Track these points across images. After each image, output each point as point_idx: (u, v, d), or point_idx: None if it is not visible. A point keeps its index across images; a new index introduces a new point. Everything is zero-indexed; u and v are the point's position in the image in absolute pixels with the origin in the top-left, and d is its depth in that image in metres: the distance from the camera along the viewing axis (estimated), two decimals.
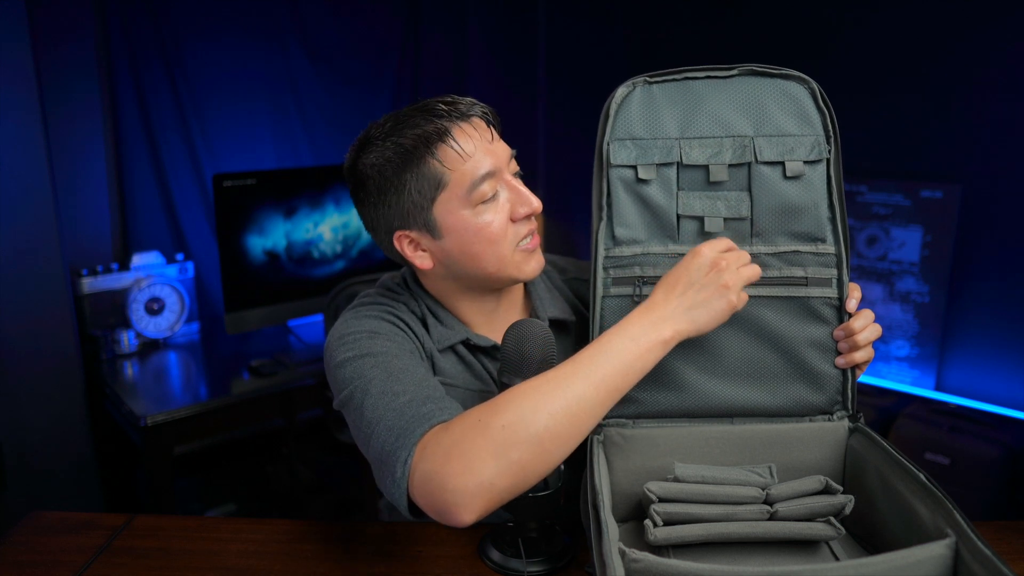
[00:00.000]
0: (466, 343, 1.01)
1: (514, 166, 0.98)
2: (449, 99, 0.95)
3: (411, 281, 1.05)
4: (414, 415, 0.80)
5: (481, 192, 0.92)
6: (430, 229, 0.95)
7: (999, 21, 2.09)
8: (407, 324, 0.98)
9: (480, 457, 0.74)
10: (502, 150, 0.96)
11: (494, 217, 0.94)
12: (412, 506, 0.79)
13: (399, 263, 1.02)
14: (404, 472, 0.77)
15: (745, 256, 0.85)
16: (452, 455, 0.74)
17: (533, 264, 0.98)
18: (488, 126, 0.96)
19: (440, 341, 0.99)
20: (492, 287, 1.00)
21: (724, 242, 0.86)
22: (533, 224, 0.98)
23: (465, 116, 0.94)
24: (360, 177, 0.96)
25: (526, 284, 1.09)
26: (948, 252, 2.24)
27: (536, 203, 0.96)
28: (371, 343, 0.91)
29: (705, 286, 0.82)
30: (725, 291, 0.82)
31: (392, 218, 0.96)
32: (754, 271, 0.85)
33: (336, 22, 2.66)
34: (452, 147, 0.91)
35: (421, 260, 0.98)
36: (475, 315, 1.03)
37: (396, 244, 0.98)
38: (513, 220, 0.95)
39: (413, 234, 0.96)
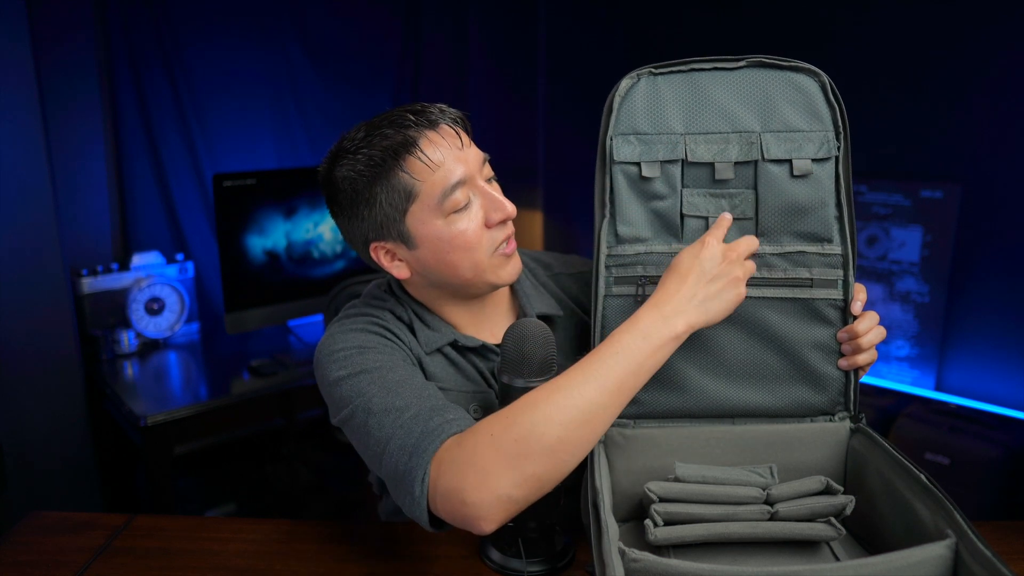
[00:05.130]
0: (454, 344, 1.00)
1: (487, 171, 0.97)
2: (418, 107, 0.94)
3: (396, 287, 1.05)
4: (423, 431, 0.80)
5: (453, 201, 0.91)
6: (404, 240, 0.94)
7: (999, 22, 2.09)
8: (394, 333, 0.97)
9: (495, 472, 0.74)
10: (473, 156, 0.94)
11: (468, 225, 0.92)
12: (432, 518, 0.79)
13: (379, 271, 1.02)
14: (423, 490, 0.77)
15: (749, 247, 0.86)
16: (468, 470, 0.74)
17: (510, 269, 0.97)
18: (458, 132, 0.94)
19: (427, 344, 0.98)
20: (472, 293, 0.99)
21: (725, 223, 0.87)
22: (510, 229, 0.97)
23: (433, 124, 0.92)
24: (333, 189, 0.96)
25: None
26: (948, 252, 2.24)
27: (510, 207, 0.94)
28: (363, 358, 0.90)
29: (718, 277, 0.82)
30: (737, 283, 0.83)
31: (367, 230, 0.95)
32: (753, 265, 0.87)
33: (336, 22, 2.66)
34: (420, 158, 0.90)
35: (398, 270, 0.97)
36: (462, 317, 1.02)
37: (372, 255, 0.97)
38: (488, 226, 0.94)
39: (388, 245, 0.96)
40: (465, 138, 0.95)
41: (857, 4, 2.33)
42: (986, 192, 2.17)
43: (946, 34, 2.18)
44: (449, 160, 0.91)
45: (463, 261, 0.93)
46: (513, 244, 0.98)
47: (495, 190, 0.96)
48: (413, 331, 1.00)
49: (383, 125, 0.92)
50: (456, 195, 0.91)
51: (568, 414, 0.75)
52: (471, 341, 1.00)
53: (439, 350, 0.99)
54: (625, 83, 0.90)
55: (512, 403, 0.78)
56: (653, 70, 0.90)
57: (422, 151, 0.90)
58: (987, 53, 2.12)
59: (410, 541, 0.95)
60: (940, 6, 2.17)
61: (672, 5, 2.76)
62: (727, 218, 0.88)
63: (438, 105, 0.95)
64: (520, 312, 1.06)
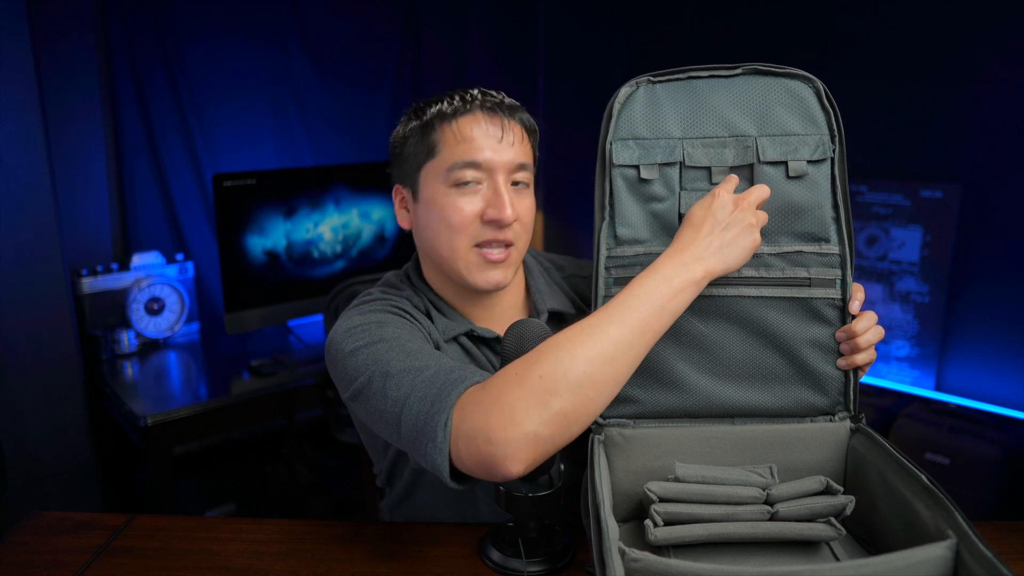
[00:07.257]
0: (469, 334, 1.02)
1: (518, 177, 0.98)
2: (489, 92, 0.99)
3: (414, 276, 1.07)
4: (445, 381, 0.80)
5: (459, 175, 0.94)
6: (414, 191, 1.01)
7: (999, 21, 2.09)
8: (412, 316, 0.98)
9: (521, 408, 0.73)
10: (509, 154, 0.96)
11: (464, 205, 0.95)
12: (454, 473, 0.78)
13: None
14: (445, 435, 0.76)
15: (760, 195, 0.86)
16: (493, 409, 0.74)
17: (486, 275, 0.97)
18: (510, 130, 0.97)
19: (445, 332, 1.00)
20: (455, 280, 1.00)
21: (733, 181, 0.88)
22: (505, 235, 0.96)
23: (488, 109, 0.97)
24: (394, 136, 1.04)
25: (527, 279, 1.10)
26: (948, 252, 2.24)
27: (507, 213, 0.94)
28: (381, 331, 0.91)
29: (731, 225, 0.83)
30: (751, 229, 0.84)
31: (396, 171, 1.04)
32: (765, 215, 0.87)
33: (336, 22, 2.66)
34: (455, 125, 0.95)
35: (402, 219, 1.05)
36: (475, 309, 1.04)
37: (394, 195, 1.06)
38: (483, 220, 0.95)
39: (404, 192, 1.04)
40: (511, 137, 0.97)
41: (857, 4, 2.33)
42: (986, 192, 2.17)
43: (946, 34, 2.18)
44: (480, 140, 0.95)
45: (443, 236, 0.97)
46: (505, 255, 0.97)
47: (511, 194, 0.96)
48: (431, 318, 1.02)
49: (453, 93, 0.99)
50: (465, 172, 0.95)
51: (593, 350, 0.76)
52: (487, 332, 1.02)
53: (455, 339, 1.01)
54: (624, 90, 0.92)
55: (537, 345, 0.79)
56: (652, 78, 0.92)
57: (462, 121, 0.95)
58: (987, 53, 2.12)
59: (410, 541, 0.95)
60: (940, 5, 2.17)
61: (672, 6, 2.76)
62: (734, 177, 0.89)
63: (510, 100, 1.00)
64: (532, 308, 1.08)
